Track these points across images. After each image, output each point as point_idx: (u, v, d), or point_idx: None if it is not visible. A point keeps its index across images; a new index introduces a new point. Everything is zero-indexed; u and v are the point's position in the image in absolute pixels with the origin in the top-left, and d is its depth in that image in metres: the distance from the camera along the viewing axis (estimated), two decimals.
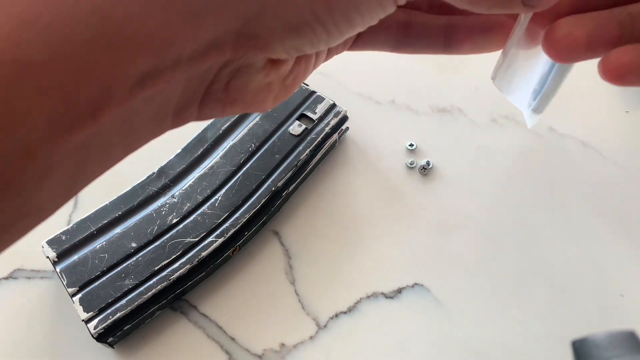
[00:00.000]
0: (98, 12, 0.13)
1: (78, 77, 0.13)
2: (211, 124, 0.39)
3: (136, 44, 0.13)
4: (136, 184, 0.37)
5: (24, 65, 0.12)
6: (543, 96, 0.26)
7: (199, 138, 0.39)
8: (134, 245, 0.34)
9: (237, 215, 0.35)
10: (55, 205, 0.15)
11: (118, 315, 0.31)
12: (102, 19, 0.13)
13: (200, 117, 0.19)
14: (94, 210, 0.35)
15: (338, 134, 0.39)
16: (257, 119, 0.39)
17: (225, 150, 0.38)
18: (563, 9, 0.20)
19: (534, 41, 0.24)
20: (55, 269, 0.33)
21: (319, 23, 0.16)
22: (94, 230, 0.35)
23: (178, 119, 0.18)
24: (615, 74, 0.19)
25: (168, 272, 0.33)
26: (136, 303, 0.32)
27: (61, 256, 0.34)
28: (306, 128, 0.38)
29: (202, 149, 0.38)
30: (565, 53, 0.20)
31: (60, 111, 0.13)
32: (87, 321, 0.31)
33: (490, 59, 0.47)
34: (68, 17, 0.12)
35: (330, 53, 0.21)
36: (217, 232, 0.34)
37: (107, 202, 0.36)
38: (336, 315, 0.35)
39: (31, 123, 0.12)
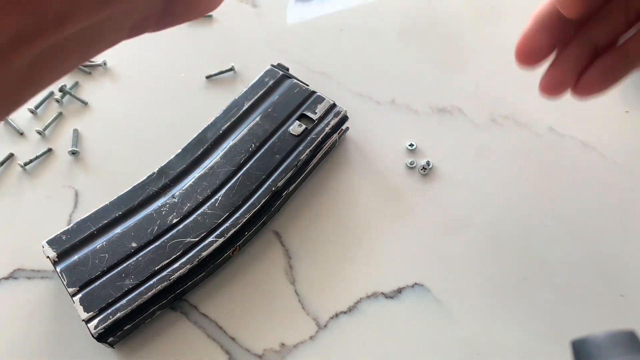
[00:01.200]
0: None
1: None
2: (211, 123, 0.39)
3: None
4: (136, 184, 0.37)
5: None
6: None
7: (199, 138, 0.39)
8: (134, 245, 0.34)
9: (237, 215, 0.35)
10: (2, 112, 0.16)
11: (118, 315, 0.32)
12: None
13: (157, 29, 0.19)
14: (94, 210, 0.35)
15: (338, 134, 0.40)
16: (257, 119, 0.39)
17: (225, 150, 0.38)
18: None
19: None
20: (55, 269, 0.33)
21: None
22: (94, 230, 0.35)
23: (135, 32, 0.18)
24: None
25: (168, 272, 0.33)
26: (136, 303, 0.32)
27: (61, 256, 0.34)
28: (306, 128, 0.38)
29: (202, 149, 0.38)
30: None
31: (28, 23, 0.13)
32: (88, 321, 0.31)
33: (490, 60, 0.47)
34: None
35: None
36: (218, 232, 0.34)
37: (107, 202, 0.36)
38: (336, 315, 0.35)
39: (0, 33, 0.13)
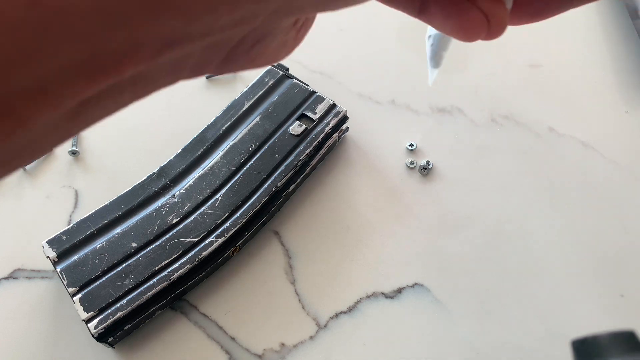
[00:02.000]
0: None
1: (112, 29, 0.13)
2: (211, 123, 0.39)
3: (175, 7, 0.13)
4: (136, 184, 0.37)
5: (64, 10, 0.12)
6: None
7: (199, 138, 0.39)
8: (134, 245, 0.34)
9: (237, 215, 0.35)
10: (48, 145, 0.15)
11: (118, 315, 0.32)
12: None
13: (217, 73, 0.19)
14: (94, 210, 0.35)
15: (338, 134, 0.39)
16: (257, 119, 0.39)
17: (225, 150, 0.38)
18: None
19: None
20: (55, 269, 0.33)
21: None
22: (94, 230, 0.35)
23: (194, 73, 0.18)
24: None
25: (168, 272, 0.33)
26: (136, 303, 0.32)
27: (61, 256, 0.34)
28: (306, 128, 0.38)
29: (202, 149, 0.38)
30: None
31: (85, 58, 0.13)
32: (88, 321, 0.31)
33: (491, 60, 0.47)
34: None
35: None
36: (218, 232, 0.34)
37: (107, 202, 0.36)
38: (336, 315, 0.35)
39: (55, 65, 0.12)
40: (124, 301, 0.32)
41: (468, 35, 0.21)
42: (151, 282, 0.33)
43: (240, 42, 0.17)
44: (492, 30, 0.21)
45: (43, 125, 0.14)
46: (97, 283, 0.33)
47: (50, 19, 0.12)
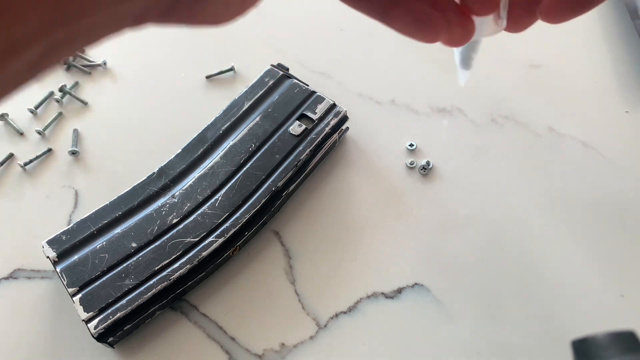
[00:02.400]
0: None
1: None
2: (211, 123, 0.39)
3: None
4: (136, 184, 0.37)
5: None
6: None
7: (199, 138, 0.39)
8: (134, 245, 0.34)
9: (237, 215, 0.35)
10: (11, 89, 0.17)
11: (118, 315, 0.32)
12: None
13: (158, 23, 0.20)
14: (94, 210, 0.35)
15: (338, 134, 0.40)
16: (257, 119, 0.39)
17: (225, 150, 0.38)
18: None
19: None
20: (55, 269, 0.33)
21: None
22: (94, 230, 0.35)
23: (136, 23, 0.19)
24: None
25: (168, 272, 0.33)
26: (136, 303, 0.32)
27: (61, 256, 0.34)
28: (306, 128, 0.38)
29: (202, 149, 0.38)
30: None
31: (50, 15, 0.14)
32: (88, 321, 0.31)
33: (490, 60, 0.47)
34: None
35: None
36: (218, 232, 0.34)
37: (107, 202, 0.36)
38: (336, 315, 0.35)
39: (24, 27, 0.13)
40: (124, 301, 0.32)
41: (427, 41, 0.23)
42: (151, 282, 0.33)
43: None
44: (453, 39, 0.23)
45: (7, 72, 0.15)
46: (97, 283, 0.33)
47: None
